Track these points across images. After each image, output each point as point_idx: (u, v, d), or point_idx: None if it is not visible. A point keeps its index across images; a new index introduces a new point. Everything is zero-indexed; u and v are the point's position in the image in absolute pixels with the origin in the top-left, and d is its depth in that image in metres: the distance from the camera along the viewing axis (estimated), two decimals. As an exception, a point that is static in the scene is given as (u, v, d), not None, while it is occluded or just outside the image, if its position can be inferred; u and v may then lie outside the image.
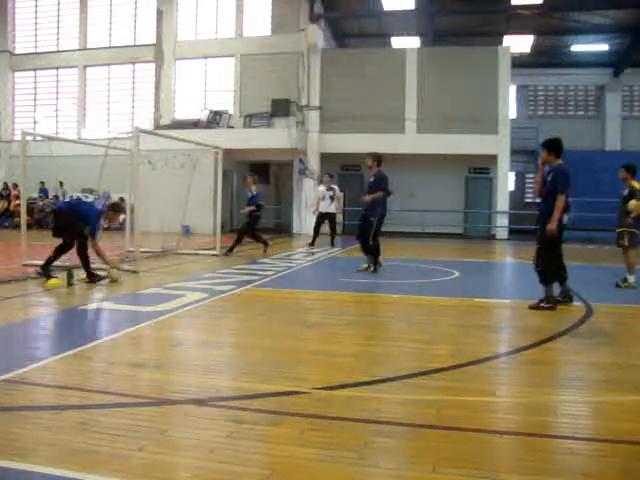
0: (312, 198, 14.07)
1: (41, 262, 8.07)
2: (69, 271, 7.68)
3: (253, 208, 12.41)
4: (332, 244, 14.53)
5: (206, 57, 21.88)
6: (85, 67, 23.27)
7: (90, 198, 8.02)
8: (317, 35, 20.78)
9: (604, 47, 24.30)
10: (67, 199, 8.23)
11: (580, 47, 24.56)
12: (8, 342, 4.76)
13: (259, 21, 21.36)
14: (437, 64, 20.39)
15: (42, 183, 20.84)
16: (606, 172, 19.56)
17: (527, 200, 24.70)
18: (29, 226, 11.75)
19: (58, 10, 23.64)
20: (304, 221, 20.56)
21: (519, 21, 21.84)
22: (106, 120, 23.05)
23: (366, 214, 9.84)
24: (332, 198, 14.28)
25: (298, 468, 2.52)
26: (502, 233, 20.16)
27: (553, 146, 6.45)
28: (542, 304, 6.32)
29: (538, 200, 6.93)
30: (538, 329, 5.48)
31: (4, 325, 5.30)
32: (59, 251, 7.98)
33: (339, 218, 16.61)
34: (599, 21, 22.03)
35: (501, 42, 22.08)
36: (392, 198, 10.40)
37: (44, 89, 24.02)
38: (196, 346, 4.85)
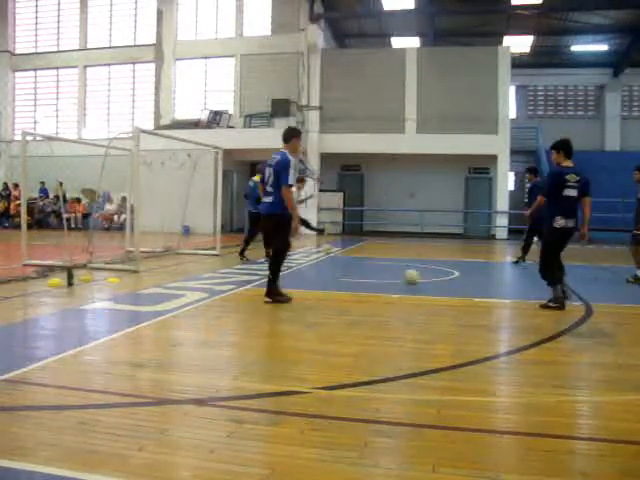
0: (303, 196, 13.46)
1: (41, 262, 8.06)
2: (69, 271, 7.68)
3: None
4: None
5: (206, 57, 21.90)
6: (85, 67, 23.28)
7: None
8: (317, 35, 20.80)
9: (604, 47, 24.32)
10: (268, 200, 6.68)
11: (580, 47, 24.58)
12: (8, 342, 4.76)
13: (259, 21, 21.38)
14: (437, 64, 20.40)
15: (42, 183, 20.85)
16: (606, 172, 19.62)
17: (527, 200, 24.70)
18: (29, 226, 11.76)
19: (58, 10, 23.66)
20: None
21: (519, 21, 21.86)
22: (106, 120, 23.06)
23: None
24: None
25: (298, 468, 2.52)
26: (502, 233, 20.17)
27: (561, 146, 6.45)
28: (550, 303, 6.36)
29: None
30: (538, 329, 5.48)
31: (4, 325, 5.29)
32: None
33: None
34: (599, 21, 22.04)
35: (501, 42, 22.11)
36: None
37: (44, 89, 24.04)
38: (196, 346, 4.84)
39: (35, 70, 23.86)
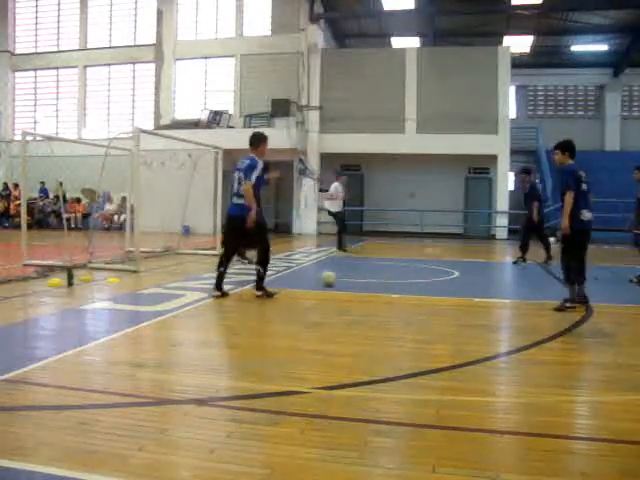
0: (330, 194, 13.35)
1: (41, 262, 8.06)
2: (69, 271, 7.68)
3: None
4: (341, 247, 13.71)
5: (206, 57, 21.90)
6: (85, 67, 23.29)
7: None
8: (317, 35, 20.80)
9: (604, 47, 24.32)
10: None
11: (580, 47, 24.58)
12: (8, 342, 4.76)
13: (259, 21, 21.38)
14: (437, 64, 20.40)
15: (42, 183, 20.85)
16: (605, 172, 19.61)
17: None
18: (29, 226, 11.76)
19: (58, 10, 23.66)
20: (304, 221, 20.58)
21: (519, 21, 21.86)
22: (106, 120, 23.06)
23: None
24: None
25: (298, 468, 2.53)
26: (502, 233, 20.17)
27: (567, 147, 6.45)
28: (567, 304, 6.24)
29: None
30: (538, 329, 5.48)
31: (4, 325, 5.30)
32: None
33: None
34: (599, 21, 22.04)
35: (501, 42, 22.10)
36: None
37: (44, 89, 24.04)
38: (196, 346, 4.84)
39: (35, 70, 23.86)
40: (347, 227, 14.46)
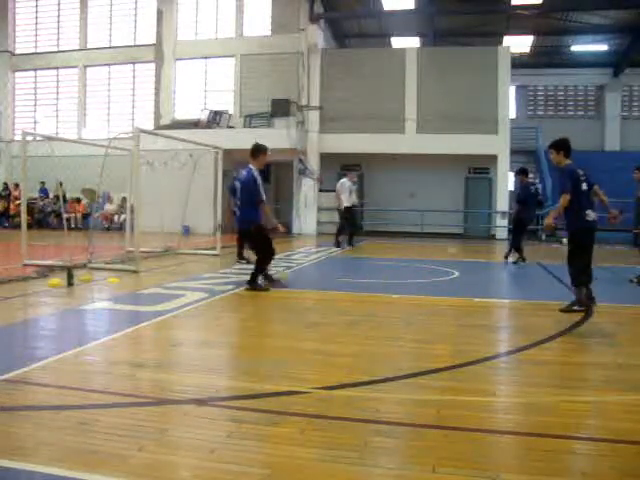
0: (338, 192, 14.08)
1: (41, 262, 8.07)
2: (69, 271, 7.68)
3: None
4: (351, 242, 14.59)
5: (206, 57, 21.88)
6: (85, 67, 23.28)
7: None
8: (317, 35, 20.79)
9: (604, 47, 24.33)
10: None
11: (580, 47, 24.58)
12: (8, 342, 4.76)
13: (259, 21, 21.37)
14: (437, 64, 20.39)
15: (42, 183, 20.85)
16: (605, 172, 19.57)
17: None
18: (29, 226, 11.75)
19: (58, 10, 23.65)
20: (304, 221, 20.58)
21: (519, 21, 21.85)
22: (106, 120, 23.05)
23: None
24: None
25: (298, 468, 2.53)
26: (502, 233, 20.15)
27: (561, 145, 6.38)
28: (575, 307, 6.04)
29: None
30: (538, 329, 5.48)
31: (4, 325, 5.30)
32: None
33: None
34: (599, 21, 22.04)
35: (501, 42, 22.10)
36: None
37: (44, 89, 24.03)
38: (196, 346, 4.84)
39: (35, 70, 23.85)
40: (346, 227, 14.62)
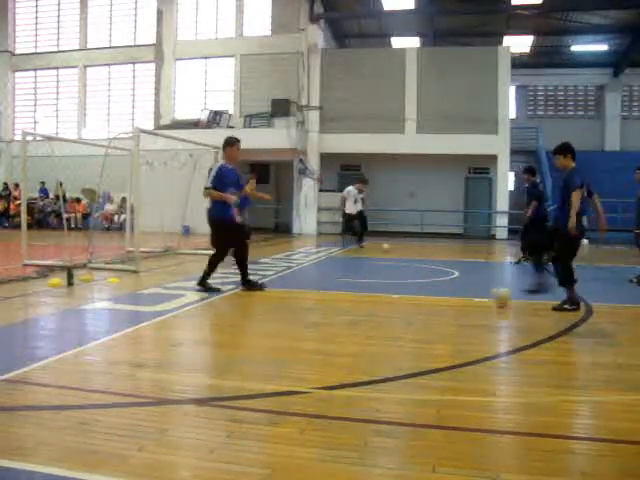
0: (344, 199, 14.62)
1: (41, 262, 8.07)
2: (69, 271, 7.68)
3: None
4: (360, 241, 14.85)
5: (206, 57, 21.89)
6: (85, 67, 23.29)
7: None
8: (317, 35, 20.79)
9: (604, 47, 24.31)
10: None
11: (580, 47, 24.58)
12: (8, 342, 4.76)
13: (259, 21, 21.38)
14: (437, 64, 20.39)
15: (42, 183, 20.85)
16: (605, 172, 19.59)
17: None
18: (29, 226, 11.75)
19: (58, 10, 23.67)
20: (304, 221, 20.58)
21: (519, 21, 21.85)
22: (106, 120, 23.06)
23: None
24: (363, 200, 14.87)
25: (298, 468, 2.53)
26: (502, 233, 20.16)
27: (568, 149, 6.41)
28: (566, 306, 6.20)
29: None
30: (538, 329, 5.48)
31: (4, 325, 5.30)
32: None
33: None
34: (599, 21, 22.03)
35: (501, 42, 22.10)
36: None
37: (44, 89, 24.04)
38: (196, 346, 4.85)
39: (35, 70, 23.86)
40: (347, 229, 14.89)
